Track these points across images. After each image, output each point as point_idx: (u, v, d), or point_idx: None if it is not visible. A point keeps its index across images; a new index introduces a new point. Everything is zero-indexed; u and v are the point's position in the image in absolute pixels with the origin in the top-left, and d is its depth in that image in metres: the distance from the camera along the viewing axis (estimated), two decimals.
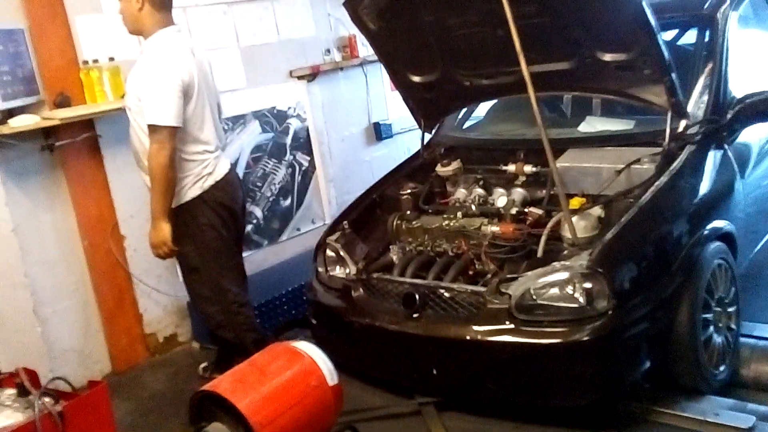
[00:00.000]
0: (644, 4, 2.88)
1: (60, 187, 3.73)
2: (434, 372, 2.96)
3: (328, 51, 4.95)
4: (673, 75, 3.06)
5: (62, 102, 3.57)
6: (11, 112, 3.42)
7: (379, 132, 5.35)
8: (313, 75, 4.85)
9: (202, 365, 3.78)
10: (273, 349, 2.65)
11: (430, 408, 3.05)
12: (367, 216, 3.69)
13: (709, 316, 2.96)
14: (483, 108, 4.30)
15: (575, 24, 3.10)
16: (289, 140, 4.74)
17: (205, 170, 3.25)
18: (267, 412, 2.34)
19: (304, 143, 4.83)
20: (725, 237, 3.12)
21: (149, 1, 3.13)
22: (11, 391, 2.23)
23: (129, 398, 3.67)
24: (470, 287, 2.98)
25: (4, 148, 3.45)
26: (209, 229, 3.27)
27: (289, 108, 4.73)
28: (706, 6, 3.61)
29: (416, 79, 3.78)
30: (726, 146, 3.32)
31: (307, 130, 4.85)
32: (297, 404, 2.42)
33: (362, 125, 5.30)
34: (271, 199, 4.62)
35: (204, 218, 3.26)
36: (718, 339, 3.02)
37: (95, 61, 3.70)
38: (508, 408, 2.94)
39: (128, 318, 4.01)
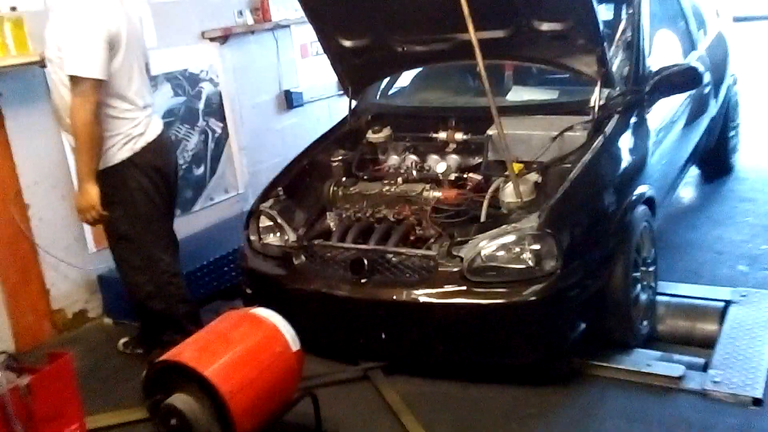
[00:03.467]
0: None
1: None
2: (383, 336, 2.96)
3: (241, 13, 4.75)
4: (605, 46, 3.20)
5: None
6: None
7: (290, 100, 5.21)
8: (224, 37, 4.64)
9: (123, 340, 3.57)
10: (229, 316, 2.53)
11: (377, 372, 3.05)
12: (299, 183, 3.60)
13: (637, 274, 3.16)
14: (406, 76, 4.29)
15: None
16: (201, 105, 4.51)
17: (135, 130, 3.02)
18: (236, 380, 2.24)
19: (217, 109, 4.62)
20: (647, 201, 3.32)
21: None
22: None
23: None
24: (421, 251, 2.99)
25: None
26: (141, 194, 3.06)
27: (202, 71, 4.50)
28: None
29: (347, 43, 3.69)
30: (645, 115, 3.53)
31: (220, 95, 4.64)
32: (265, 371, 2.34)
33: (273, 92, 5.13)
34: (183, 166, 4.38)
35: (135, 182, 3.04)
36: (643, 296, 3.22)
37: None
38: (454, 369, 3.00)
39: (34, 293, 3.69)
